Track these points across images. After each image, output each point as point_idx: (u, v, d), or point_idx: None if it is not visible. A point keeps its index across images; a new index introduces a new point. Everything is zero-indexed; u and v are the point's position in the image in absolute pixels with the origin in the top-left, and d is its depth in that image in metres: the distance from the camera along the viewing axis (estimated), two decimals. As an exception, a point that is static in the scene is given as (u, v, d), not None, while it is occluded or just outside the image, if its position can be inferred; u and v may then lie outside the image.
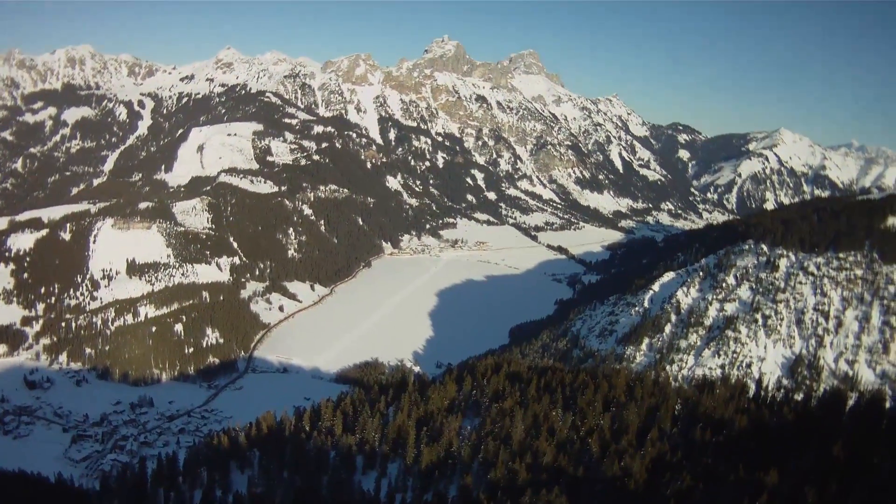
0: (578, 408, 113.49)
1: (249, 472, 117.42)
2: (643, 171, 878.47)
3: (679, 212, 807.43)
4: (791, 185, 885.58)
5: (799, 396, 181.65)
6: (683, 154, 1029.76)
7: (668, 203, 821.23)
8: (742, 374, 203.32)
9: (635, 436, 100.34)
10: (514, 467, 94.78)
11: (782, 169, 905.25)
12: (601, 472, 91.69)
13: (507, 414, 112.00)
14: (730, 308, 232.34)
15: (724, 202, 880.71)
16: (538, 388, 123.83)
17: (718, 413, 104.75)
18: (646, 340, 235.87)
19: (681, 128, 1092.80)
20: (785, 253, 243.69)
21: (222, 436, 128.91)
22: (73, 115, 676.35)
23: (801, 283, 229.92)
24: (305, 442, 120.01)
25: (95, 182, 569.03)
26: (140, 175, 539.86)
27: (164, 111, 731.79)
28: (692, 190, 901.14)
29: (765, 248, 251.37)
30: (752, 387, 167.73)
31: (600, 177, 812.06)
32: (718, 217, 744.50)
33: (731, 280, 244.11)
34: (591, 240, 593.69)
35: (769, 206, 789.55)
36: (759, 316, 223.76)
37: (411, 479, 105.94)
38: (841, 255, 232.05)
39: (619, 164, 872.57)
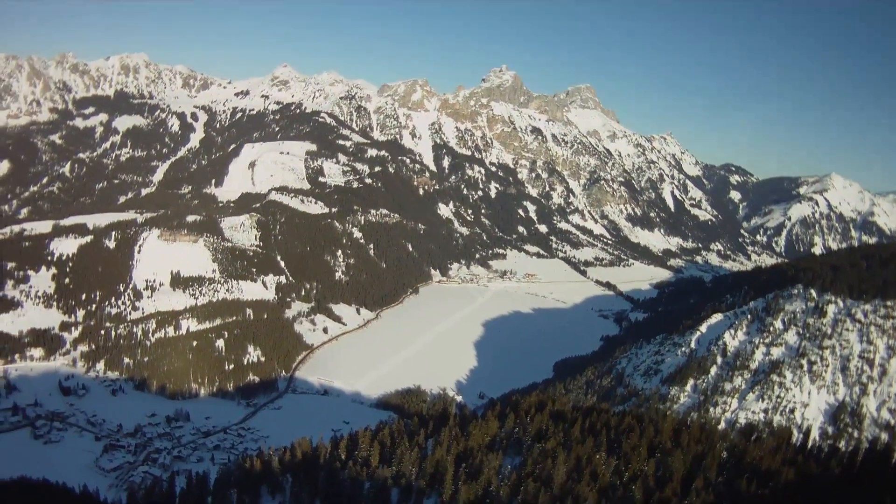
0: (623, 452, 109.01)
1: (281, 497, 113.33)
2: (694, 211, 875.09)
3: (728, 253, 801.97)
4: (839, 230, 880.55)
5: (842, 444, 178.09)
6: (735, 195, 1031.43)
7: (717, 244, 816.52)
8: (785, 420, 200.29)
9: (680, 484, 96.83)
10: None
11: (831, 214, 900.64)
12: None
13: (550, 455, 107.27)
14: (776, 352, 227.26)
15: (773, 245, 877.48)
16: (582, 430, 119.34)
17: (765, 463, 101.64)
18: (690, 381, 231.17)
19: (733, 169, 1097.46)
20: (833, 299, 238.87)
21: (255, 459, 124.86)
22: (124, 122, 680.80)
23: (847, 329, 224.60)
24: (340, 471, 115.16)
25: (144, 192, 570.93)
26: (189, 188, 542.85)
27: (217, 125, 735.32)
28: (742, 231, 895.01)
29: (813, 293, 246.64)
30: (796, 433, 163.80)
31: (651, 214, 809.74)
32: (767, 259, 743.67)
33: (778, 324, 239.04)
34: (639, 277, 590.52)
35: (817, 250, 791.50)
36: (804, 361, 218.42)
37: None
38: (888, 303, 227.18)
39: (670, 202, 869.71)
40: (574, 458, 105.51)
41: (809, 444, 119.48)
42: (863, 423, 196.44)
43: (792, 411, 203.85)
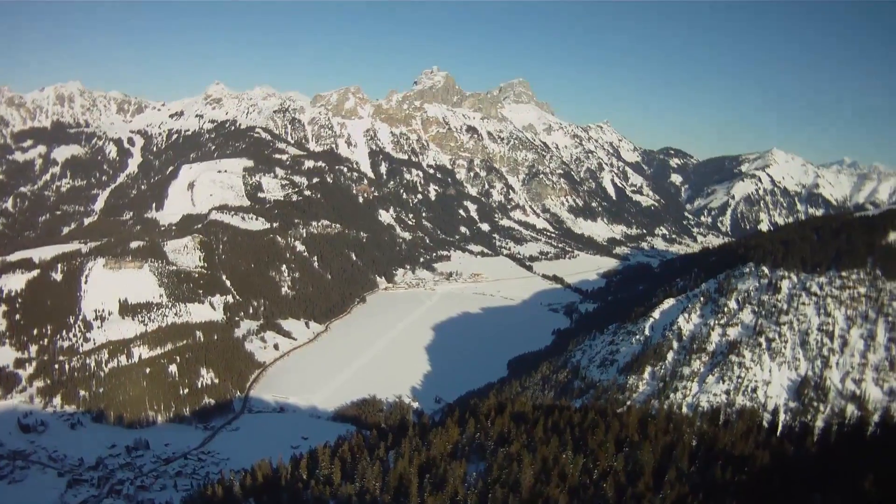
0: (589, 449, 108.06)
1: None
2: (636, 197, 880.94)
3: (674, 236, 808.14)
4: (785, 204, 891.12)
5: (808, 418, 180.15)
6: (676, 178, 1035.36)
7: (662, 228, 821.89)
8: (748, 399, 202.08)
9: (652, 477, 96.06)
10: None
11: (776, 189, 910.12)
12: None
13: (514, 458, 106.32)
14: (732, 333, 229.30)
15: (719, 225, 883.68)
16: (545, 429, 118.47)
17: (738, 448, 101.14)
18: (648, 369, 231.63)
19: (672, 152, 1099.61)
20: (786, 274, 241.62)
21: (216, 485, 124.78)
22: (62, 153, 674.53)
23: (804, 303, 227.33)
24: (303, 491, 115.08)
25: (86, 221, 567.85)
26: (131, 213, 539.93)
27: (154, 148, 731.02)
28: (686, 214, 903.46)
29: (766, 270, 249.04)
30: (765, 414, 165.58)
31: (593, 204, 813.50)
32: (713, 240, 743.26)
33: (732, 304, 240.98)
34: (586, 268, 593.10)
35: (764, 226, 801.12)
36: (762, 339, 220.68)
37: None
38: (843, 273, 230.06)
39: (611, 190, 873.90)
40: (540, 460, 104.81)
41: (780, 424, 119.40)
42: (828, 395, 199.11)
43: (754, 390, 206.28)
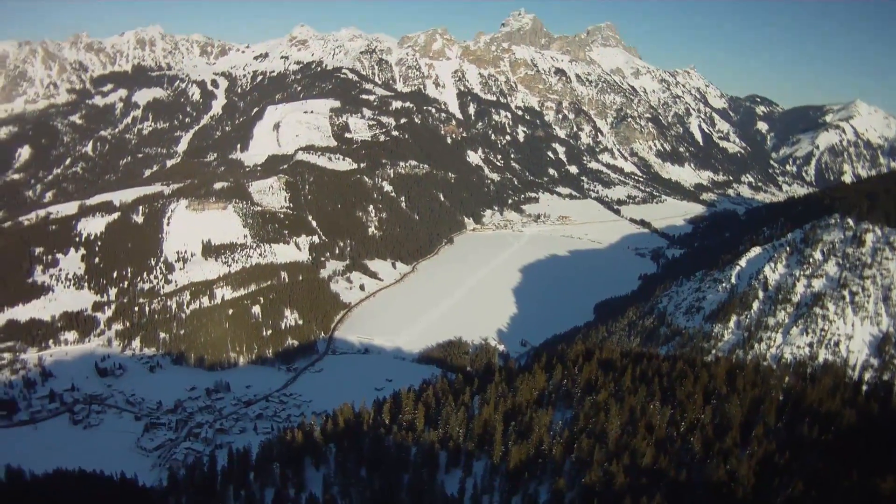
0: (677, 400, 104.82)
1: (325, 469, 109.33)
2: (723, 144, 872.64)
3: (759, 184, 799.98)
4: (868, 157, 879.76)
5: (886, 375, 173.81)
6: (762, 126, 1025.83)
7: (748, 175, 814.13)
8: (830, 353, 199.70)
9: (739, 432, 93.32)
10: (610, 469, 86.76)
11: (859, 141, 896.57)
12: (705, 476, 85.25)
13: (602, 408, 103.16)
14: (817, 284, 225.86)
15: (803, 174, 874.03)
16: (633, 379, 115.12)
17: (825, 406, 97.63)
18: (734, 318, 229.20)
19: (758, 100, 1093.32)
20: (871, 227, 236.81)
21: (296, 430, 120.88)
22: (144, 96, 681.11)
23: (887, 258, 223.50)
24: (385, 437, 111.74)
25: (169, 163, 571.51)
26: (215, 155, 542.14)
27: (239, 90, 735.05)
28: (771, 162, 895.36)
29: (850, 222, 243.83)
30: (843, 367, 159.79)
31: (681, 149, 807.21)
32: (798, 190, 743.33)
33: (817, 255, 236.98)
34: (673, 213, 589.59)
35: (847, 178, 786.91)
36: (846, 293, 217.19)
37: (498, 480, 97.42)
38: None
39: (698, 136, 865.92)
40: (627, 410, 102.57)
41: (865, 381, 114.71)
42: None
43: (837, 344, 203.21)
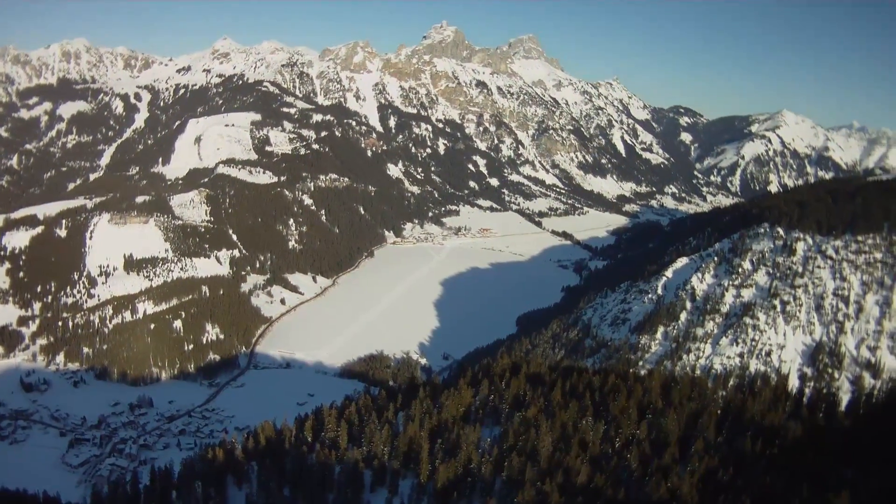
0: (611, 416, 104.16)
1: (247, 488, 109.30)
2: (646, 155, 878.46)
3: (683, 195, 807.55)
4: (794, 166, 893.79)
5: (822, 384, 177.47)
6: (686, 137, 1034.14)
7: (671, 186, 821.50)
8: (762, 363, 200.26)
9: (678, 448, 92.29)
10: (543, 489, 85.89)
11: (785, 150, 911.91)
12: (645, 494, 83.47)
13: (532, 424, 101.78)
14: (747, 294, 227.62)
15: (728, 185, 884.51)
16: (563, 393, 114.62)
17: (768, 420, 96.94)
18: (661, 329, 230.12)
19: (682, 110, 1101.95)
20: (802, 236, 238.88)
21: (217, 448, 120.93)
22: (68, 109, 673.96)
23: (819, 267, 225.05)
24: (308, 455, 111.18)
25: (92, 177, 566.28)
26: (137, 169, 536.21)
27: (161, 103, 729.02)
28: (695, 173, 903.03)
29: (781, 231, 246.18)
30: (774, 377, 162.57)
31: (603, 161, 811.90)
32: (723, 200, 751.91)
33: (747, 265, 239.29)
34: (595, 225, 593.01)
35: (773, 188, 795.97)
36: (777, 302, 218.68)
37: (426, 500, 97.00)
38: (859, 237, 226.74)
39: (621, 147, 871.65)
40: (558, 426, 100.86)
41: (806, 393, 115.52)
42: (842, 362, 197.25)
43: (769, 354, 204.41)
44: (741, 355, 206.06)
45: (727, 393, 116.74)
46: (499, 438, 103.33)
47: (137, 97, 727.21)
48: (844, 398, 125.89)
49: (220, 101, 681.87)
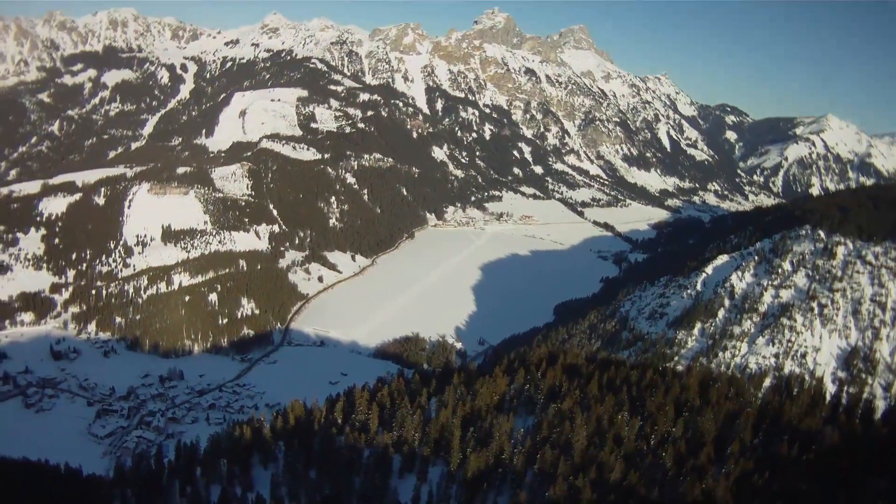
0: (647, 412, 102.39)
1: (273, 468, 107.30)
2: (690, 151, 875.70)
3: (725, 193, 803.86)
4: (837, 171, 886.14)
5: (854, 389, 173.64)
6: (730, 135, 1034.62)
7: (714, 184, 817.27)
8: (797, 365, 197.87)
9: (713, 448, 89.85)
10: (576, 484, 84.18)
11: (829, 155, 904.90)
12: (679, 495, 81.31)
13: (567, 416, 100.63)
14: (785, 295, 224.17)
15: (770, 185, 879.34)
16: (600, 386, 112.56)
17: (805, 424, 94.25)
18: (698, 325, 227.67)
19: (728, 109, 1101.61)
20: (842, 240, 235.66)
21: (245, 426, 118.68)
22: (113, 77, 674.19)
23: (858, 272, 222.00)
24: (336, 437, 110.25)
25: (134, 146, 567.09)
26: (180, 140, 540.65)
27: (208, 75, 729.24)
28: (738, 171, 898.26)
29: (822, 234, 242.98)
30: (809, 379, 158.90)
31: (648, 155, 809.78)
32: (764, 200, 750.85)
33: (787, 266, 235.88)
34: (637, 217, 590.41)
35: (815, 191, 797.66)
36: (815, 304, 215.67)
37: (455, 488, 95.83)
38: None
39: (666, 142, 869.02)
40: (594, 420, 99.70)
41: (843, 398, 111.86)
42: (876, 368, 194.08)
43: (804, 356, 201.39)
44: (777, 356, 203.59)
45: (764, 394, 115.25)
46: (532, 429, 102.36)
47: (184, 68, 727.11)
48: (880, 405, 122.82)
49: (268, 76, 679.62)
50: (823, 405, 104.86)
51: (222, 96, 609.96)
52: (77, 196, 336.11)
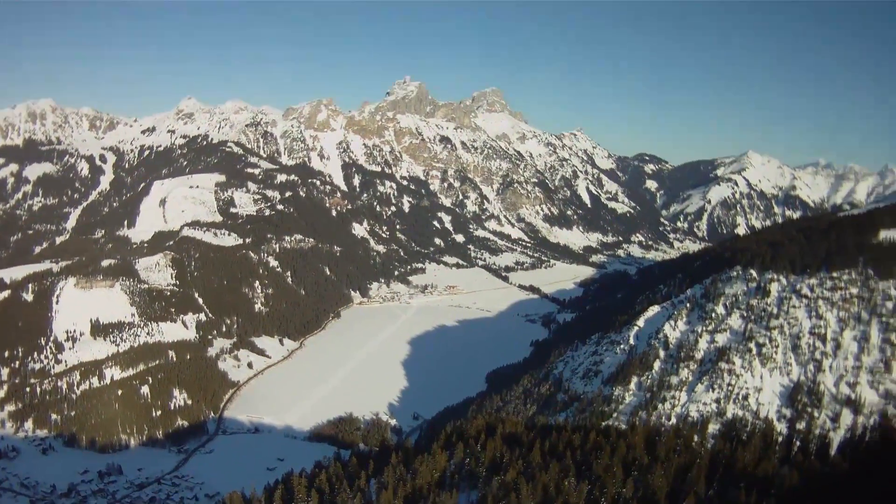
0: (595, 475, 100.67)
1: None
2: (611, 204, 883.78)
3: (650, 243, 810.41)
4: (762, 207, 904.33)
5: (802, 425, 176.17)
6: (651, 184, 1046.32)
7: (638, 235, 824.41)
8: (739, 407, 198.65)
9: None
10: None
11: (752, 192, 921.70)
12: None
13: (511, 488, 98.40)
14: (721, 339, 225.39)
15: (695, 230, 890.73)
16: (543, 454, 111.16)
17: (760, 469, 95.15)
18: (634, 379, 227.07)
19: (647, 158, 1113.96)
20: (775, 277, 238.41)
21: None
22: (34, 171, 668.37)
23: (794, 306, 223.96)
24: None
25: (59, 240, 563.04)
26: (103, 231, 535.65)
27: (126, 165, 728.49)
28: (662, 220, 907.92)
29: (753, 273, 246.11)
30: (751, 419, 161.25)
31: (568, 212, 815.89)
32: (690, 245, 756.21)
33: (720, 309, 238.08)
34: (562, 277, 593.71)
35: (741, 230, 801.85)
36: (752, 345, 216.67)
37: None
38: (834, 274, 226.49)
39: (586, 198, 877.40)
40: (540, 489, 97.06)
41: (795, 438, 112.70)
42: (822, 400, 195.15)
43: (746, 398, 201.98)
44: (718, 401, 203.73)
45: (714, 443, 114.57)
46: None
47: (103, 159, 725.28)
48: (835, 437, 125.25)
49: (185, 163, 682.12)
50: (776, 446, 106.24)
51: (142, 186, 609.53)
52: (6, 293, 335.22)
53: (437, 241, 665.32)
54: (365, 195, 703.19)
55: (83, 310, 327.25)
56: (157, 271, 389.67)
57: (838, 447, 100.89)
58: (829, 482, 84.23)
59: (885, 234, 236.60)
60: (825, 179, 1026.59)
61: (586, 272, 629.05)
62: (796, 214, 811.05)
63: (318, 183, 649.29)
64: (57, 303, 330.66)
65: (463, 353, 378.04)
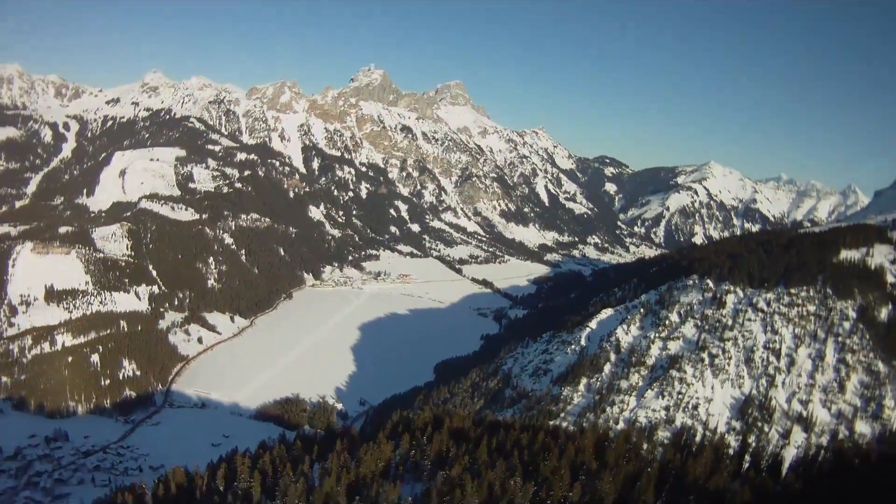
0: (541, 476, 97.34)
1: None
2: (569, 205, 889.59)
3: (606, 245, 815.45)
4: (721, 218, 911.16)
5: (751, 439, 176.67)
6: (610, 187, 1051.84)
7: (594, 237, 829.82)
8: (689, 417, 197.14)
9: None
10: None
11: (712, 202, 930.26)
12: None
13: (456, 484, 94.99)
14: (674, 347, 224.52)
15: (652, 236, 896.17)
16: (490, 451, 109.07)
17: (712, 483, 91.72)
18: (584, 381, 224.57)
19: (608, 161, 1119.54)
20: (732, 288, 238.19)
21: (127, 493, 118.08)
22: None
23: (749, 319, 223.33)
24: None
25: (18, 204, 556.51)
26: (62, 198, 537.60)
27: (89, 134, 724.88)
28: (619, 223, 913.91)
29: (710, 283, 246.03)
30: (700, 429, 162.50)
31: (526, 210, 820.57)
32: (646, 251, 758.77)
33: (674, 317, 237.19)
34: (516, 273, 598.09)
35: (698, 239, 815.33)
36: (705, 355, 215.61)
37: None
38: (792, 290, 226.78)
39: (544, 196, 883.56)
40: (485, 487, 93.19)
41: (748, 452, 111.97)
42: (773, 416, 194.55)
43: (695, 407, 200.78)
44: (667, 408, 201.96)
45: (664, 452, 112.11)
46: (421, 497, 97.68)
47: (66, 126, 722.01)
48: (786, 454, 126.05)
49: (147, 135, 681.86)
50: (727, 460, 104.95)
51: (103, 155, 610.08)
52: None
53: (393, 229, 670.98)
54: (323, 179, 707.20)
55: (38, 275, 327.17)
56: (114, 241, 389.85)
57: (790, 466, 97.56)
58: (782, 502, 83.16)
59: (846, 254, 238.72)
60: (786, 195, 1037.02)
61: (541, 270, 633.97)
62: (755, 227, 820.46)
63: (277, 164, 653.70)
64: (13, 266, 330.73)
65: (413, 341, 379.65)
